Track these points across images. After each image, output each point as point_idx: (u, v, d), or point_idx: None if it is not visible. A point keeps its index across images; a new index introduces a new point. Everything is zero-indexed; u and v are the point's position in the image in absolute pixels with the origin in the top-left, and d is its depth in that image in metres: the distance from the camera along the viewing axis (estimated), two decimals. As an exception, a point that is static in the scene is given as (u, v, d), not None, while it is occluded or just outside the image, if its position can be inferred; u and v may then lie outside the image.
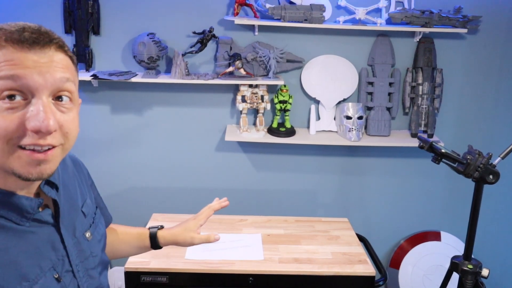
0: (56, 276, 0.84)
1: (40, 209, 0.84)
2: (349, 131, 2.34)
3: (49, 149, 0.76)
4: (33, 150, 0.74)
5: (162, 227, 1.29)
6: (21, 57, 0.72)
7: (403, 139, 2.40)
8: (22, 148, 0.74)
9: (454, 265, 1.73)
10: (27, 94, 0.73)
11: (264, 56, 2.28)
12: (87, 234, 0.96)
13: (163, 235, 1.27)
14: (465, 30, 2.28)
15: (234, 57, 2.24)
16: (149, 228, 1.28)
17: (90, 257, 0.95)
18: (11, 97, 0.72)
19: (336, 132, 2.46)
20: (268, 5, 2.22)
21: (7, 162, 0.74)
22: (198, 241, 1.27)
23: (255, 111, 2.44)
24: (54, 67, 0.76)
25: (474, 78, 2.47)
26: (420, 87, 2.42)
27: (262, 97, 2.36)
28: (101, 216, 1.08)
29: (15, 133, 0.73)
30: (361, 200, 2.64)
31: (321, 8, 2.20)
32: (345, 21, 2.29)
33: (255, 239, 2.01)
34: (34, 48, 0.74)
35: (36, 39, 0.74)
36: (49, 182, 0.89)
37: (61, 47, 0.79)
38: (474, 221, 1.69)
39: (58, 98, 0.78)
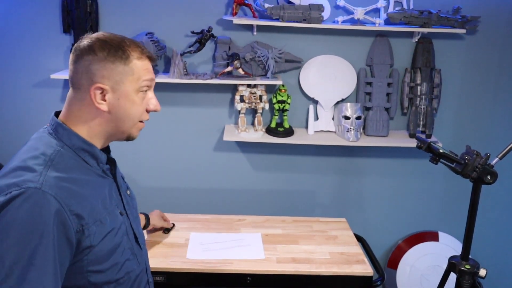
0: (119, 211, 1.21)
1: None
2: (347, 131, 2.34)
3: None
4: (142, 122, 1.20)
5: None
6: (150, 66, 1.18)
7: (401, 140, 2.40)
8: (140, 121, 1.19)
9: (452, 265, 1.73)
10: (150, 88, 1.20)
11: (262, 56, 2.28)
12: (128, 192, 1.35)
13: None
14: (463, 31, 2.28)
15: (233, 57, 2.24)
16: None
17: (132, 207, 1.33)
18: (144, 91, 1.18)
19: (334, 132, 2.46)
20: (266, 5, 2.22)
21: (130, 130, 1.19)
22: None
23: (254, 111, 2.44)
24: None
25: (473, 79, 2.48)
26: (419, 88, 2.42)
27: (260, 97, 2.36)
28: None
29: (142, 113, 1.18)
30: (359, 200, 2.64)
31: (320, 8, 2.20)
32: (343, 21, 2.29)
33: (255, 238, 2.01)
34: (152, 61, 1.19)
35: (153, 55, 1.20)
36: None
37: None
38: (472, 221, 1.69)
39: None
